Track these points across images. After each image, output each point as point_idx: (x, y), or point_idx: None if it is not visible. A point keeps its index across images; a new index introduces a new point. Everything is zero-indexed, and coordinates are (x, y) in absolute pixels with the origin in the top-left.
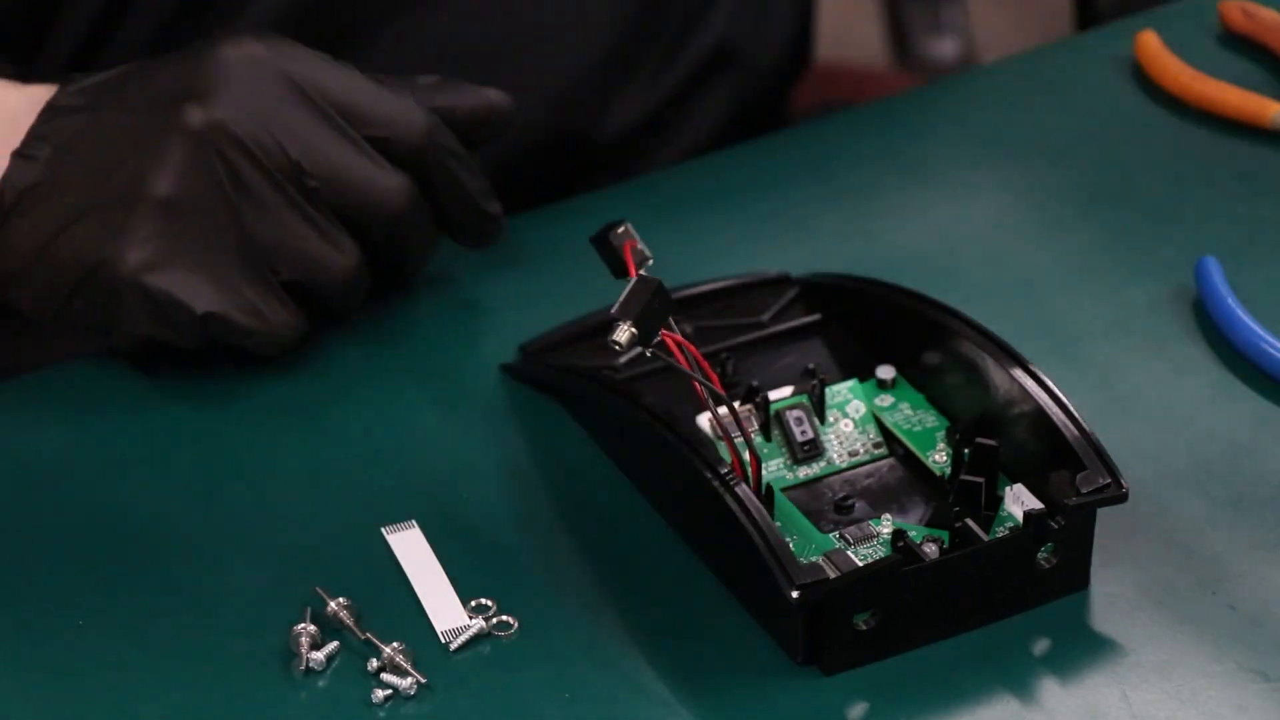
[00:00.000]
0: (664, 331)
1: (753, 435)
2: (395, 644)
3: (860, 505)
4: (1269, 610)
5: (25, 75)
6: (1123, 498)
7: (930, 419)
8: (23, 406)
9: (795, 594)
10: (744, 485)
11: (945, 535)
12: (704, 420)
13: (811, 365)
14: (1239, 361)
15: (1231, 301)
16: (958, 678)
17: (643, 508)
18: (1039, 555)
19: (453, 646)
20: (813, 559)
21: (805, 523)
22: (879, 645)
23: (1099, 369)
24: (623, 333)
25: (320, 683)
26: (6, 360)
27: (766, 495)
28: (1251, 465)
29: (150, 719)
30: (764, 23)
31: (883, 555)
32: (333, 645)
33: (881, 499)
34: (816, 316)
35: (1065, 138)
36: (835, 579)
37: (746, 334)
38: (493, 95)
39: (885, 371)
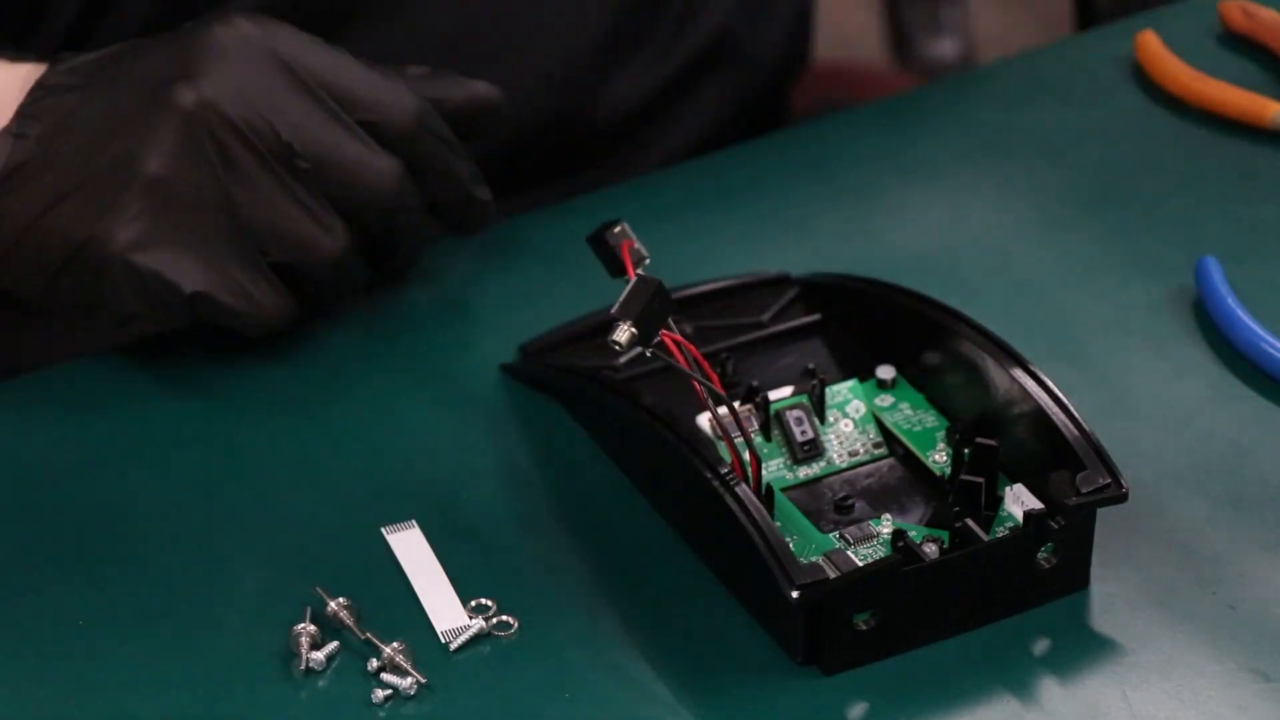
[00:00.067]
0: (664, 331)
1: (753, 435)
2: (395, 644)
3: (860, 505)
4: (1269, 610)
5: (17, 56)
6: (1123, 498)
7: (930, 419)
8: (23, 406)
9: (795, 594)
10: (744, 485)
11: (945, 535)
12: (704, 420)
13: (811, 365)
14: (1239, 361)
15: (1231, 301)
16: (958, 678)
17: (643, 508)
18: (1039, 555)
19: (453, 646)
20: (813, 559)
21: (805, 523)
22: (879, 645)
23: (1099, 369)
24: (623, 333)
25: (320, 683)
26: (7, 360)
27: (766, 495)
28: (1251, 465)
29: (150, 719)
30: (764, 16)
31: (883, 555)
32: (333, 645)
33: (881, 499)
34: (816, 316)
35: (1065, 138)
36: (835, 579)
37: (746, 334)
38: (481, 88)
39: (885, 371)
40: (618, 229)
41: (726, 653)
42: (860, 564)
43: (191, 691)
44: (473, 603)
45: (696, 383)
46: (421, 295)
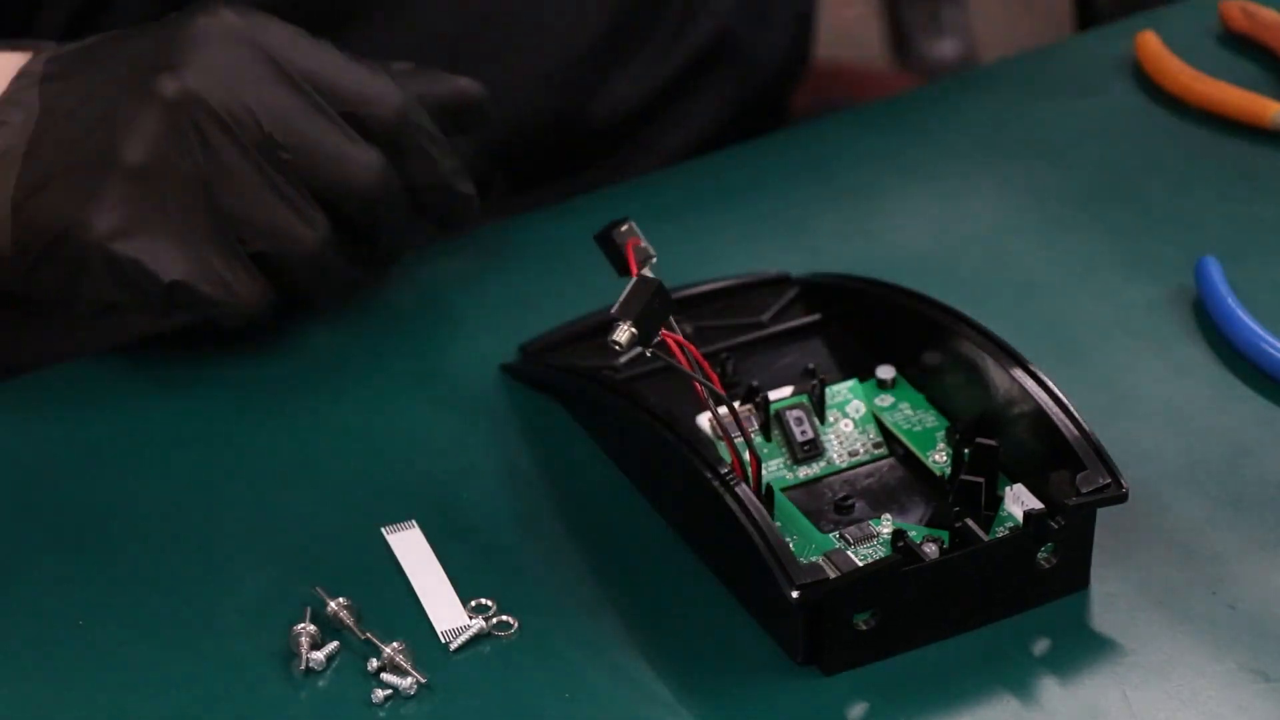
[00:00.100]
0: (664, 331)
1: (753, 435)
2: (395, 644)
3: (860, 505)
4: (1269, 610)
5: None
6: (1123, 498)
7: (930, 419)
8: (23, 406)
9: (795, 594)
10: (744, 485)
11: (945, 535)
12: (704, 420)
13: (811, 365)
14: (1239, 361)
15: (1231, 301)
16: (958, 678)
17: (643, 508)
18: (1039, 555)
19: (453, 646)
20: (813, 559)
21: (805, 523)
22: (879, 645)
23: (1099, 369)
24: (623, 333)
25: (320, 683)
26: (7, 360)
27: (766, 495)
28: (1251, 465)
29: (150, 719)
30: (765, 18)
31: (883, 555)
32: (333, 645)
33: (881, 499)
34: (816, 316)
35: (1065, 138)
36: (835, 579)
37: (746, 334)
38: (465, 84)
39: (885, 371)
40: (624, 228)
41: (726, 653)
42: (860, 564)
43: (191, 691)
44: (473, 603)
45: (696, 383)
46: (422, 295)
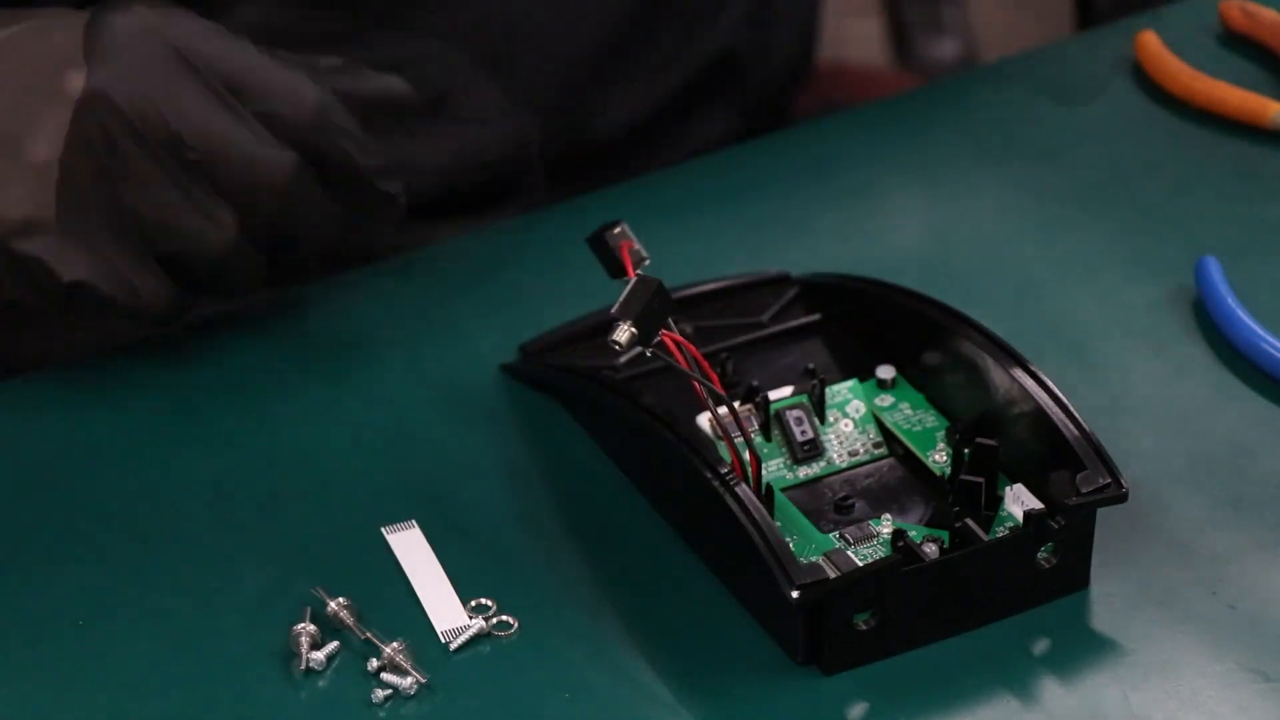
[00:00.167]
0: (664, 331)
1: (753, 435)
2: (395, 644)
3: (860, 505)
4: (1269, 610)
5: None
6: (1123, 498)
7: (930, 419)
8: (23, 406)
9: (795, 594)
10: (744, 485)
11: (945, 535)
12: (704, 420)
13: (811, 365)
14: (1239, 361)
15: (1231, 301)
16: (958, 678)
17: (643, 508)
18: (1039, 555)
19: (453, 646)
20: (813, 559)
21: (805, 523)
22: (879, 645)
23: (1099, 369)
24: (623, 333)
25: (320, 683)
26: (7, 360)
27: (766, 495)
28: (1251, 465)
29: (150, 719)
30: (768, 34)
31: (883, 555)
32: (333, 645)
33: (881, 499)
34: (816, 316)
35: (1065, 138)
36: (835, 579)
37: (746, 334)
38: (393, 82)
39: (885, 371)
40: (617, 230)
41: (726, 653)
42: (860, 564)
43: (191, 691)
44: (473, 603)
45: (696, 383)
46: (422, 295)
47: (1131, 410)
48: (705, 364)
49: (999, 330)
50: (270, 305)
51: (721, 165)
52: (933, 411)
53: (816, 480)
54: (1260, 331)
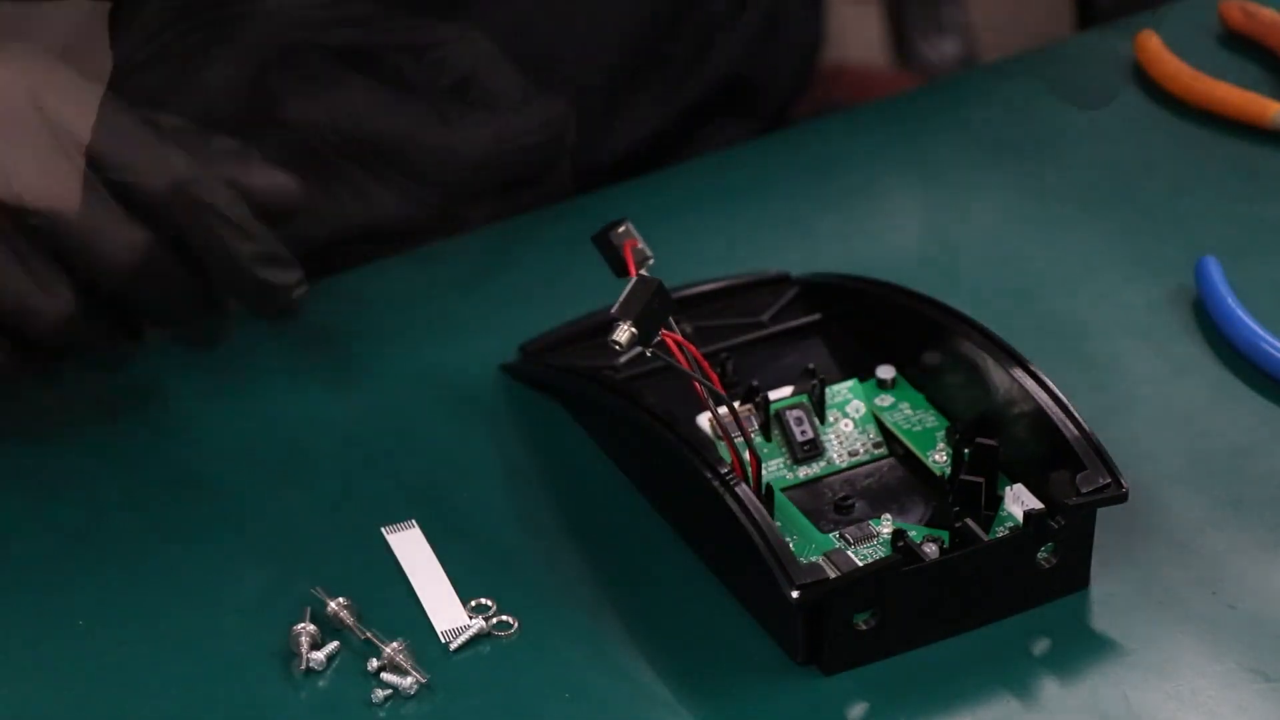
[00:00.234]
0: (664, 331)
1: (753, 435)
2: (395, 644)
3: (860, 505)
4: (1269, 610)
5: None
6: (1123, 498)
7: (930, 419)
8: (24, 406)
9: (795, 594)
10: (744, 485)
11: (945, 535)
12: (704, 420)
13: (811, 365)
14: (1239, 361)
15: (1231, 301)
16: (958, 678)
17: (643, 508)
18: (1039, 555)
19: (453, 646)
20: (813, 559)
21: (805, 523)
22: (879, 645)
23: (1099, 369)
24: (623, 333)
25: (320, 683)
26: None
27: (766, 495)
28: (1251, 465)
29: (150, 719)
30: (774, 54)
31: (883, 555)
32: (333, 645)
33: (881, 499)
34: (816, 316)
35: (1065, 138)
36: (835, 579)
37: (746, 334)
38: (283, 180)
39: (885, 371)
40: (622, 229)
41: (726, 653)
42: (860, 564)
43: (191, 691)
44: (473, 603)
45: (696, 383)
46: (422, 295)
47: (1131, 410)
48: (705, 364)
49: (999, 330)
50: None
51: (721, 165)
52: (933, 411)
53: (816, 480)
54: (1260, 331)
